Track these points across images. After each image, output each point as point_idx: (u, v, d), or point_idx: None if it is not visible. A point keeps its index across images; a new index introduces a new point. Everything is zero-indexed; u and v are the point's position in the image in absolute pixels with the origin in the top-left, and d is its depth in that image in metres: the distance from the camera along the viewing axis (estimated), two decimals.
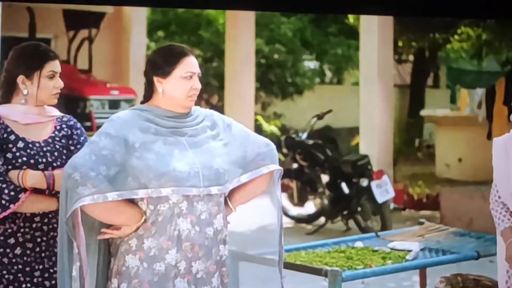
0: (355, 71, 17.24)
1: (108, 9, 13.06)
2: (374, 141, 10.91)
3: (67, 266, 2.86)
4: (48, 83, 3.11)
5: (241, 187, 3.09)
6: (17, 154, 3.04)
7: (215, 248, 2.97)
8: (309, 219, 8.98)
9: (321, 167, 8.77)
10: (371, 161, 8.88)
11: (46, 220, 3.06)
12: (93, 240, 2.97)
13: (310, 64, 18.26)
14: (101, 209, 2.84)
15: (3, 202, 2.95)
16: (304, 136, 8.99)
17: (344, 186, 8.57)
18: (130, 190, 2.85)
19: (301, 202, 9.00)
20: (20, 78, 3.09)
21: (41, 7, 11.96)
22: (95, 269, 2.98)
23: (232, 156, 3.04)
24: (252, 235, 7.43)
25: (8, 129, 3.06)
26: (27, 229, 3.05)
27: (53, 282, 3.07)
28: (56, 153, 3.10)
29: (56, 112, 3.21)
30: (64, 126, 3.20)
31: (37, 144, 3.09)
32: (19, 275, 3.05)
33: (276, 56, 16.45)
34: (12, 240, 3.04)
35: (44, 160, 3.07)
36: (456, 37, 12.23)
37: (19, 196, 2.97)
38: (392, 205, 8.82)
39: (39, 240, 3.06)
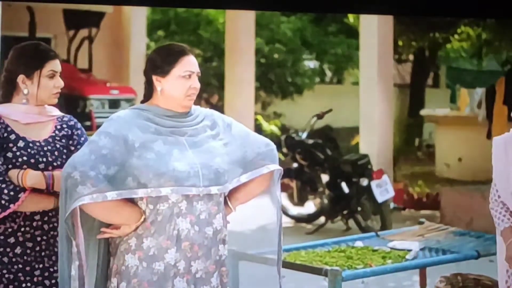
0: (355, 70, 17.25)
1: (108, 8, 13.06)
2: (374, 140, 10.91)
3: (66, 265, 2.87)
4: (48, 83, 3.11)
5: (241, 187, 3.08)
6: (18, 153, 3.04)
7: (214, 248, 2.97)
8: (309, 218, 8.98)
9: (321, 167, 8.77)
10: (371, 160, 8.88)
11: (46, 219, 3.06)
12: (93, 240, 2.97)
13: (310, 63, 18.26)
14: (101, 208, 2.84)
15: (3, 202, 2.95)
16: (304, 135, 8.99)
17: (344, 185, 8.57)
18: (130, 190, 2.85)
19: (301, 201, 9.00)
20: (20, 78, 3.09)
21: (41, 7, 11.96)
22: (95, 268, 2.97)
23: (232, 156, 3.03)
24: (252, 235, 7.43)
25: (9, 129, 3.06)
26: (27, 228, 3.05)
27: (53, 281, 3.07)
28: (56, 153, 3.10)
29: (57, 112, 3.21)
30: (64, 126, 3.20)
31: (38, 144, 3.09)
32: (19, 274, 3.05)
33: (276, 55, 16.45)
34: (12, 239, 3.04)
35: (44, 159, 3.07)
36: (456, 36, 12.22)
37: (19, 196, 2.97)
38: (392, 205, 8.81)
39: (39, 239, 3.06)
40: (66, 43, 13.02)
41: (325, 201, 8.70)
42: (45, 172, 3.03)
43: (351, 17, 12.58)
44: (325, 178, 8.73)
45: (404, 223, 8.41)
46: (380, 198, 8.31)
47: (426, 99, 16.97)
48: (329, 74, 20.00)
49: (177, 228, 2.90)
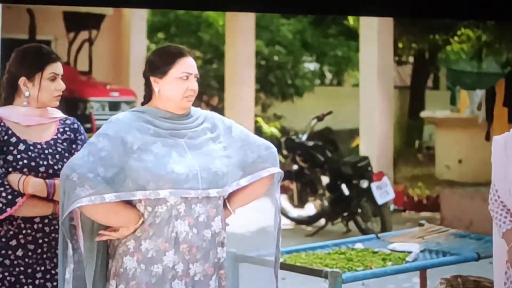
0: (355, 72, 17.25)
1: (108, 11, 13.06)
2: (374, 142, 10.91)
3: (61, 268, 2.87)
4: (49, 85, 3.11)
5: (241, 189, 3.07)
6: (18, 156, 3.04)
7: (213, 251, 2.96)
8: (309, 220, 8.98)
9: (321, 169, 8.77)
10: (371, 162, 8.89)
11: (47, 221, 3.06)
12: (92, 242, 2.97)
13: (310, 65, 18.27)
14: (99, 210, 2.84)
15: (0, 205, 2.95)
16: (304, 137, 8.99)
17: (344, 187, 8.57)
18: (128, 192, 2.85)
19: (301, 203, 9.00)
20: (22, 80, 3.09)
21: (41, 9, 11.97)
22: (93, 270, 2.98)
23: (232, 158, 3.03)
24: (252, 237, 7.43)
25: (9, 131, 3.06)
26: (28, 231, 3.05)
27: (54, 283, 3.07)
28: (57, 156, 3.10)
29: (59, 114, 3.21)
30: (67, 129, 3.19)
31: (39, 146, 3.09)
32: (21, 276, 3.05)
33: (276, 57, 16.45)
34: (13, 242, 3.04)
35: (45, 162, 3.07)
36: (456, 38, 12.24)
37: (16, 200, 2.97)
38: (392, 207, 8.81)
39: (40, 241, 3.06)
40: (66, 45, 13.04)
41: (325, 203, 8.70)
42: (47, 180, 3.03)
43: (351, 19, 12.59)
44: (325, 180, 8.73)
45: (404, 225, 8.41)
46: (380, 200, 8.31)
47: (426, 101, 16.97)
48: (329, 76, 20.00)
49: (176, 231, 2.89)
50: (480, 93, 11.41)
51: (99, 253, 2.98)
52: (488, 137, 10.09)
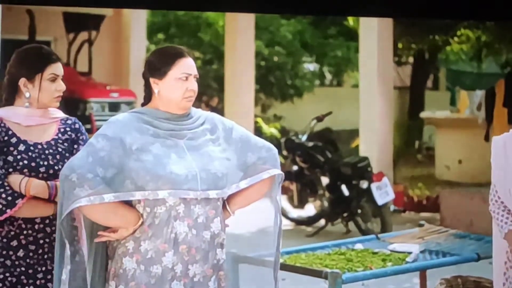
0: (354, 73, 17.25)
1: (108, 11, 13.06)
2: (374, 143, 10.91)
3: (58, 269, 2.87)
4: (49, 86, 3.11)
5: (241, 191, 3.06)
6: (18, 157, 3.04)
7: (212, 252, 2.96)
8: (309, 221, 8.98)
9: (321, 169, 8.77)
10: (371, 163, 8.88)
11: (48, 222, 3.06)
12: (91, 243, 2.97)
13: (310, 66, 18.26)
14: (98, 210, 2.84)
15: (0, 206, 2.95)
16: (304, 138, 8.99)
17: (344, 188, 8.57)
18: (127, 192, 2.85)
19: (301, 204, 9.00)
20: (22, 81, 3.10)
21: (41, 10, 11.97)
22: (91, 271, 2.98)
23: (232, 160, 3.02)
24: (252, 237, 7.43)
25: (10, 132, 3.07)
26: (29, 231, 3.05)
27: None
28: (58, 156, 3.10)
29: (60, 114, 3.21)
30: (68, 129, 3.19)
31: (39, 146, 3.09)
32: (22, 277, 3.05)
33: (275, 58, 16.45)
34: (15, 242, 3.04)
35: (45, 163, 3.07)
36: (455, 39, 12.23)
37: (16, 202, 2.97)
38: (392, 207, 8.81)
39: (41, 242, 3.07)
40: (66, 46, 13.02)
41: (325, 203, 8.70)
42: (49, 182, 3.03)
43: (351, 20, 12.59)
44: (325, 180, 8.73)
45: (404, 226, 8.41)
46: (380, 201, 8.31)
47: (426, 101, 16.96)
48: (329, 76, 19.99)
49: (175, 232, 2.89)
50: (480, 94, 11.41)
51: (98, 254, 2.98)
52: (487, 138, 10.09)
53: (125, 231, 2.90)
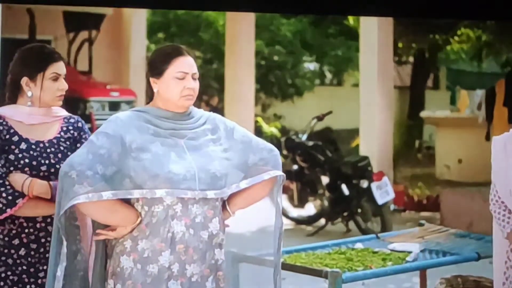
0: (355, 72, 17.23)
1: (108, 10, 13.06)
2: (374, 142, 10.91)
3: (53, 265, 2.86)
4: (51, 85, 3.11)
5: (241, 191, 3.05)
6: (20, 155, 3.04)
7: (209, 252, 2.96)
8: (309, 220, 8.98)
9: (321, 169, 8.77)
10: (371, 162, 8.89)
11: (49, 221, 3.06)
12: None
13: (310, 65, 18.26)
14: (96, 208, 2.84)
15: (0, 205, 2.96)
16: (304, 137, 8.99)
17: (344, 187, 8.57)
18: (125, 190, 2.85)
19: (301, 203, 9.00)
20: (24, 80, 3.10)
21: (41, 9, 11.97)
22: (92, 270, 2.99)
23: (232, 160, 3.01)
24: (252, 236, 7.43)
25: (11, 130, 3.07)
26: (31, 230, 3.06)
27: None
28: (59, 155, 3.10)
29: (63, 112, 3.21)
30: (70, 127, 3.19)
31: (41, 145, 3.09)
32: (24, 276, 3.05)
33: (276, 57, 16.45)
34: (16, 241, 3.04)
35: (47, 161, 3.07)
36: (456, 38, 12.24)
37: (17, 201, 2.97)
38: (392, 207, 8.81)
39: (43, 240, 3.07)
40: (66, 45, 13.02)
41: (325, 203, 8.70)
42: (51, 182, 3.03)
43: (351, 19, 12.61)
44: (325, 180, 8.73)
45: (404, 225, 8.41)
46: (380, 200, 8.31)
47: (426, 101, 16.96)
48: (329, 76, 19.98)
49: (172, 231, 2.89)
50: (480, 93, 11.41)
51: (98, 252, 2.98)
52: (488, 137, 10.09)
53: (123, 229, 2.90)
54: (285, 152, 8.86)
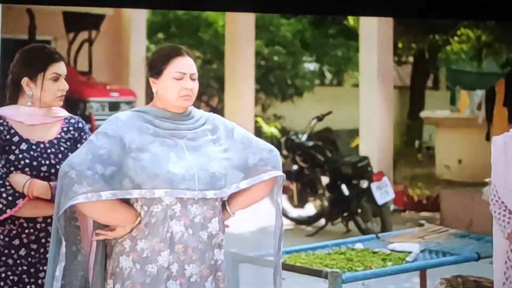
0: (355, 72, 17.24)
1: (108, 11, 13.05)
2: (374, 142, 10.91)
3: (52, 265, 2.87)
4: (51, 85, 3.11)
5: (241, 192, 3.05)
6: (20, 156, 3.04)
7: (209, 252, 2.96)
8: (309, 220, 8.99)
9: (321, 169, 8.77)
10: (371, 162, 8.89)
11: (49, 221, 3.06)
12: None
13: (310, 65, 18.25)
14: (96, 208, 2.84)
15: (0, 206, 2.95)
16: (304, 137, 8.99)
17: (344, 187, 8.57)
18: (124, 190, 2.85)
19: (301, 203, 9.00)
20: (25, 81, 3.10)
21: (41, 9, 11.97)
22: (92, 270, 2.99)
23: (232, 161, 3.01)
24: (252, 237, 7.43)
25: (12, 131, 3.07)
26: (31, 230, 3.06)
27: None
28: (60, 155, 3.10)
29: (64, 113, 3.21)
30: (71, 128, 3.20)
31: (42, 145, 3.09)
32: (24, 276, 3.06)
33: (276, 57, 16.44)
34: (16, 241, 3.05)
35: (47, 162, 3.07)
36: (455, 38, 12.23)
37: (17, 202, 2.97)
38: (392, 207, 8.82)
39: (43, 241, 3.07)
40: (66, 45, 13.01)
41: (325, 203, 8.70)
42: (51, 183, 3.03)
43: (351, 19, 12.60)
44: (325, 180, 8.74)
45: (404, 225, 8.42)
46: (380, 200, 8.32)
47: (426, 101, 16.97)
48: (329, 76, 19.98)
49: (171, 231, 2.89)
50: (480, 93, 11.41)
51: (98, 253, 2.98)
52: (488, 137, 10.10)
53: (122, 229, 2.90)
54: (285, 152, 8.87)
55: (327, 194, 8.69)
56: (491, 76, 11.33)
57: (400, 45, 12.42)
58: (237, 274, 4.16)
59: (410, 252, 4.44)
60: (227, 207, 3.07)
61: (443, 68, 16.62)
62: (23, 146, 3.06)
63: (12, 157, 3.04)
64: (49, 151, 3.10)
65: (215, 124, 3.07)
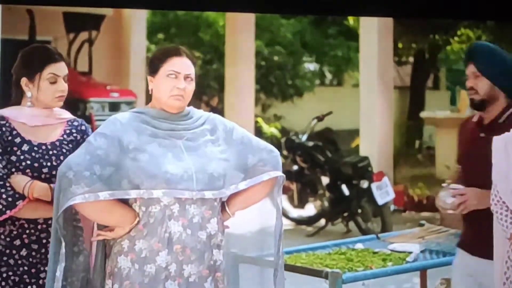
0: (355, 73, 17.25)
1: (108, 11, 13.05)
2: (374, 143, 10.91)
3: (52, 266, 2.87)
4: (48, 86, 3.11)
5: (241, 192, 3.04)
6: (21, 157, 3.04)
7: (207, 253, 2.95)
8: (310, 221, 8.99)
9: (321, 169, 8.77)
10: (371, 162, 8.89)
11: (50, 222, 3.05)
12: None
13: (310, 66, 18.26)
14: (94, 208, 2.85)
15: (0, 207, 2.96)
16: (304, 138, 9.00)
17: (344, 188, 8.57)
18: (122, 191, 2.85)
19: (301, 204, 9.01)
20: (23, 81, 3.11)
21: (41, 10, 11.97)
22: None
23: (231, 161, 3.00)
24: (252, 237, 7.42)
25: (14, 132, 3.07)
26: (32, 231, 3.06)
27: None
28: (61, 157, 3.09)
29: (67, 115, 3.21)
30: (74, 130, 3.19)
31: (43, 147, 3.09)
32: (25, 276, 3.06)
33: (276, 58, 16.45)
34: (17, 242, 3.05)
35: (48, 163, 3.07)
36: (456, 38, 12.24)
37: (17, 203, 2.97)
38: (392, 207, 8.82)
39: (44, 241, 3.07)
40: (66, 46, 13.02)
41: (326, 203, 8.71)
42: (52, 185, 3.03)
43: (351, 19, 12.61)
44: (325, 180, 8.74)
45: (404, 225, 8.41)
46: (380, 200, 8.32)
47: (426, 101, 16.97)
48: (329, 76, 20.00)
49: (169, 231, 2.89)
50: None
51: (98, 253, 2.98)
52: None
53: (121, 230, 2.90)
54: (285, 152, 8.87)
55: (327, 194, 8.69)
56: None
57: (400, 45, 12.43)
58: (237, 274, 4.15)
59: (410, 252, 4.44)
60: (227, 208, 3.06)
61: (443, 68, 16.64)
62: (25, 147, 3.06)
63: (13, 158, 3.04)
64: (50, 152, 3.10)
65: (215, 124, 3.06)
